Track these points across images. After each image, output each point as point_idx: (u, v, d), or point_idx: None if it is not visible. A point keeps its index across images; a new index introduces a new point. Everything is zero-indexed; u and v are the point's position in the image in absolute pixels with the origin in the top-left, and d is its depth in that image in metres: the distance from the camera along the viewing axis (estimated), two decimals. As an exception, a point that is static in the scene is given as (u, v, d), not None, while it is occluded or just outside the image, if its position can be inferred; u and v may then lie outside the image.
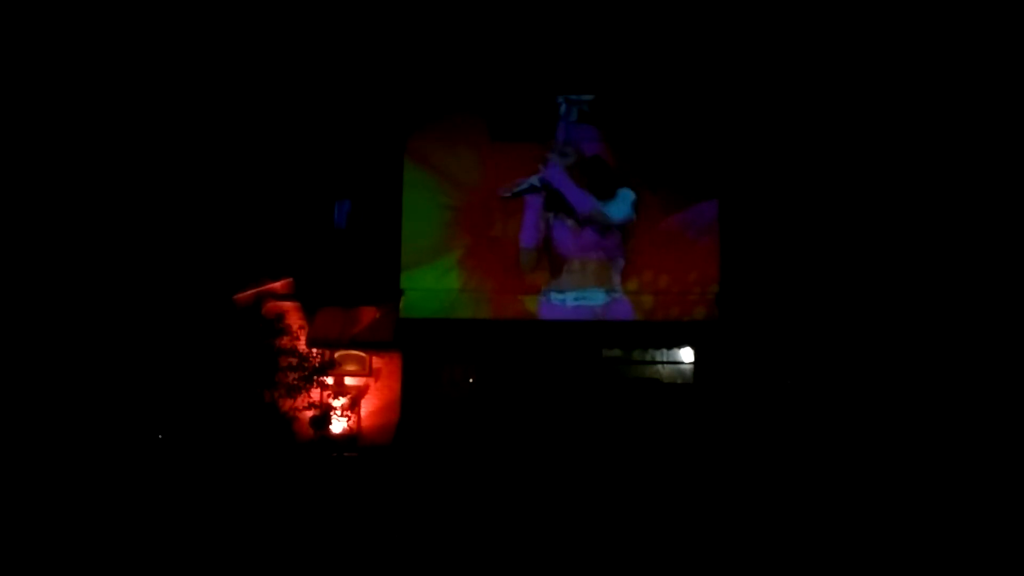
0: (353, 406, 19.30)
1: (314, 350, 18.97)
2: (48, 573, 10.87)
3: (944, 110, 18.66)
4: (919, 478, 14.93)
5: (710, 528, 13.07)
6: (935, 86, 18.84)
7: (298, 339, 18.79)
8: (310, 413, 18.49)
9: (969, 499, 13.62)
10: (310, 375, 18.38)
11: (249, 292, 19.14)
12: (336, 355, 19.30)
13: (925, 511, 13.32)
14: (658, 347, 20.08)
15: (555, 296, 19.77)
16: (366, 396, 19.60)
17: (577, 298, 19.69)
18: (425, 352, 19.84)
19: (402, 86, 20.48)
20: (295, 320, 19.03)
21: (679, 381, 19.85)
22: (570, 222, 19.88)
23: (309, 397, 18.40)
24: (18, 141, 18.11)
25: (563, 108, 20.19)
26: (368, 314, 19.94)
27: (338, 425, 18.95)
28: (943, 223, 18.38)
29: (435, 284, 19.85)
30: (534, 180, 19.86)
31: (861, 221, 18.94)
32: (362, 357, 19.71)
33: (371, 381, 19.68)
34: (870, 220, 18.90)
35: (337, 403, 19.05)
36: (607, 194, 19.96)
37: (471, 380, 20.01)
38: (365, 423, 19.40)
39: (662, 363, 20.10)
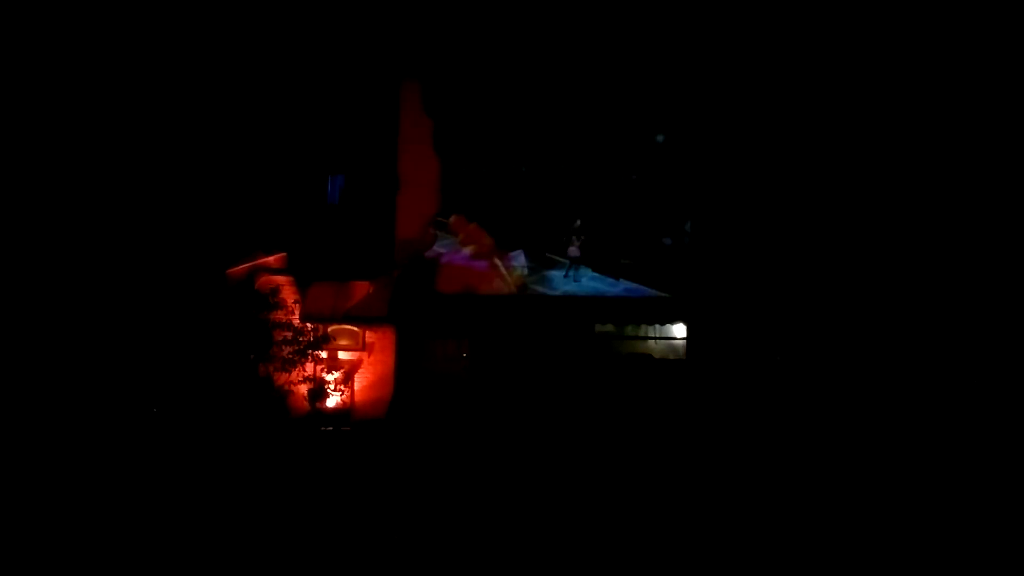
0: (346, 380, 19.35)
1: (308, 324, 18.98)
2: (45, 543, 10.99)
3: (928, 105, 18.70)
4: (908, 455, 15.12)
5: (702, 505, 13.24)
6: (925, 84, 18.86)
7: (292, 313, 18.80)
8: (304, 387, 18.55)
9: (959, 482, 13.80)
10: (304, 349, 18.42)
11: (243, 266, 19.11)
12: (330, 329, 19.32)
13: (913, 490, 13.52)
14: (650, 323, 20.19)
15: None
16: (360, 370, 19.64)
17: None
18: (418, 326, 19.93)
19: (395, 60, 20.43)
20: (289, 295, 19.02)
21: (671, 357, 19.98)
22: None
23: (303, 371, 18.45)
24: (10, 120, 18.00)
25: None
26: (361, 288, 19.96)
27: (332, 399, 19.02)
28: (929, 208, 18.46)
29: None
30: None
31: (850, 201, 19.00)
32: (355, 332, 19.72)
33: (364, 355, 19.71)
34: (859, 201, 18.96)
35: (331, 377, 19.12)
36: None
37: (464, 355, 20.09)
38: (359, 397, 19.46)
39: (654, 339, 20.21)
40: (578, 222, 20.16)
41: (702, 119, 20.03)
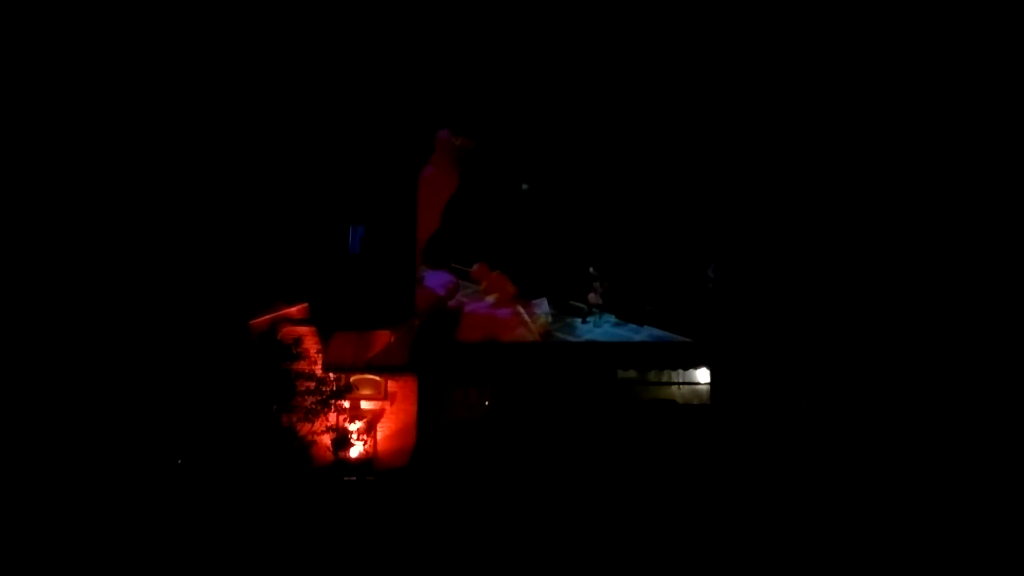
0: (369, 430, 19.29)
1: (331, 374, 19.00)
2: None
3: (952, 143, 18.73)
4: (938, 498, 14.89)
5: (727, 551, 13.06)
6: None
7: (315, 363, 18.85)
8: (327, 437, 18.51)
9: (991, 521, 13.58)
10: (327, 399, 18.42)
11: (265, 317, 19.20)
12: (352, 379, 19.32)
13: (944, 533, 13.30)
14: (674, 367, 20.09)
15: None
16: (382, 420, 19.58)
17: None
18: (440, 375, 19.91)
19: (415, 111, 20.74)
20: (312, 345, 19.07)
21: (695, 402, 19.85)
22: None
23: (326, 421, 18.44)
24: (34, 184, 18.31)
25: None
26: (382, 338, 19.99)
27: (355, 449, 18.95)
28: (960, 254, 18.29)
29: None
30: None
31: (875, 243, 18.96)
32: (377, 381, 19.71)
33: (387, 405, 19.67)
34: (885, 243, 18.92)
35: (353, 427, 19.07)
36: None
37: (487, 403, 20.02)
38: (381, 447, 19.38)
39: (678, 384, 20.09)
40: (598, 269, 20.20)
41: (722, 164, 20.13)
